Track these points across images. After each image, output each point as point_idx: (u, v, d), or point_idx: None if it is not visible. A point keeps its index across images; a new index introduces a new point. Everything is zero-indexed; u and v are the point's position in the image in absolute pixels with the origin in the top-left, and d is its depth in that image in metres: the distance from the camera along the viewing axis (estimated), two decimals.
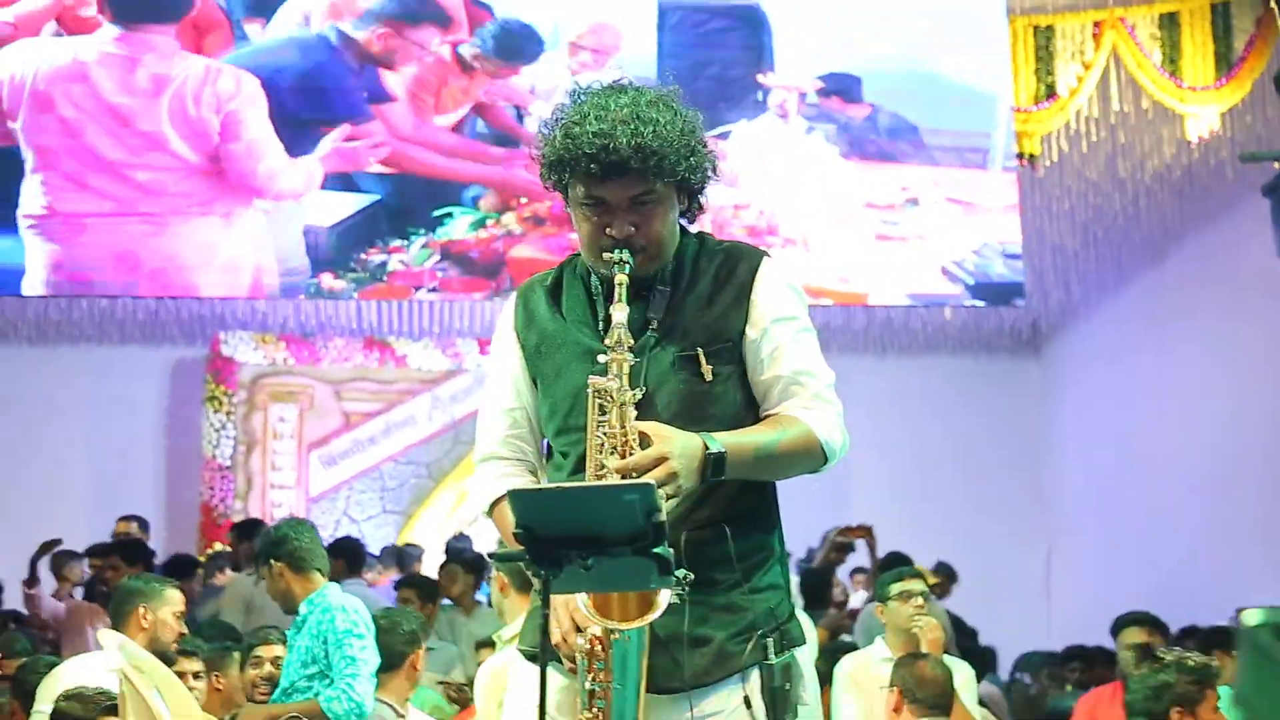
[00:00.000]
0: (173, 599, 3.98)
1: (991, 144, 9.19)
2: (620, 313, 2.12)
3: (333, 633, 4.07)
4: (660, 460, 2.02)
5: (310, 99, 8.98)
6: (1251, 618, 0.77)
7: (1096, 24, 9.17)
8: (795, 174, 9.20)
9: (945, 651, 4.53)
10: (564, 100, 2.24)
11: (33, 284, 8.76)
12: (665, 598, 2.02)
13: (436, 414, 9.83)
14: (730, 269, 2.28)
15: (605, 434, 2.10)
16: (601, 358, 2.12)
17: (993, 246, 9.13)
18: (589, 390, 2.11)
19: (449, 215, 9.04)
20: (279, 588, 4.23)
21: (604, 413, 2.11)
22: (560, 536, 1.86)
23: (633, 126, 2.13)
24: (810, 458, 2.23)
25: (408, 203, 9.02)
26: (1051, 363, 11.08)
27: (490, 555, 2.10)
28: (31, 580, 5.34)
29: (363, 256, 8.96)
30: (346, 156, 8.90)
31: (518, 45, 9.09)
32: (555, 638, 2.10)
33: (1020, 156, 9.25)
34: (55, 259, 8.68)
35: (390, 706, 4.28)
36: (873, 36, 9.18)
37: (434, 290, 9.00)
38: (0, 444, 9.86)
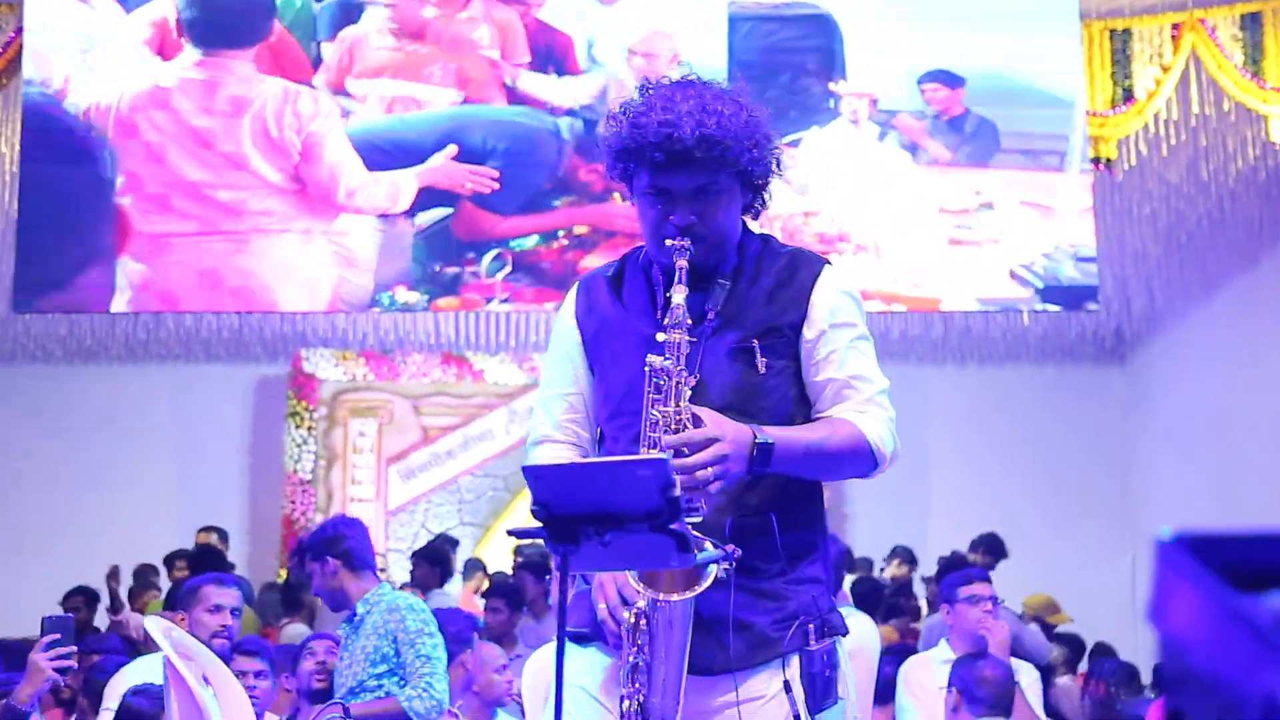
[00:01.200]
0: (207, 595, 4.00)
1: (1069, 147, 9.06)
2: (680, 295, 2.16)
3: (403, 631, 4.09)
4: (711, 440, 2.04)
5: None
6: (1164, 533, 0.77)
7: (1175, 26, 9.02)
8: (867, 181, 9.14)
9: (1012, 653, 4.47)
10: (633, 96, 2.29)
11: (120, 303, 8.99)
12: (712, 572, 2.04)
13: (513, 428, 9.92)
14: (793, 271, 2.30)
15: (660, 412, 2.12)
16: (660, 336, 2.15)
17: (1063, 249, 8.98)
18: (645, 369, 2.14)
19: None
20: (332, 585, 4.21)
21: (660, 391, 2.14)
22: (577, 513, 1.87)
23: (698, 117, 2.16)
24: (859, 461, 2.23)
25: (480, 217, 9.11)
26: (1136, 371, 10.87)
27: (509, 532, 2.11)
28: (115, 607, 5.46)
29: (437, 269, 9.06)
30: (451, 175, 9.01)
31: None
32: (601, 613, 2.13)
33: (1096, 161, 9.11)
34: (142, 279, 8.90)
35: None
36: (946, 41, 9.11)
37: (506, 301, 9.07)
38: (90, 460, 10.12)
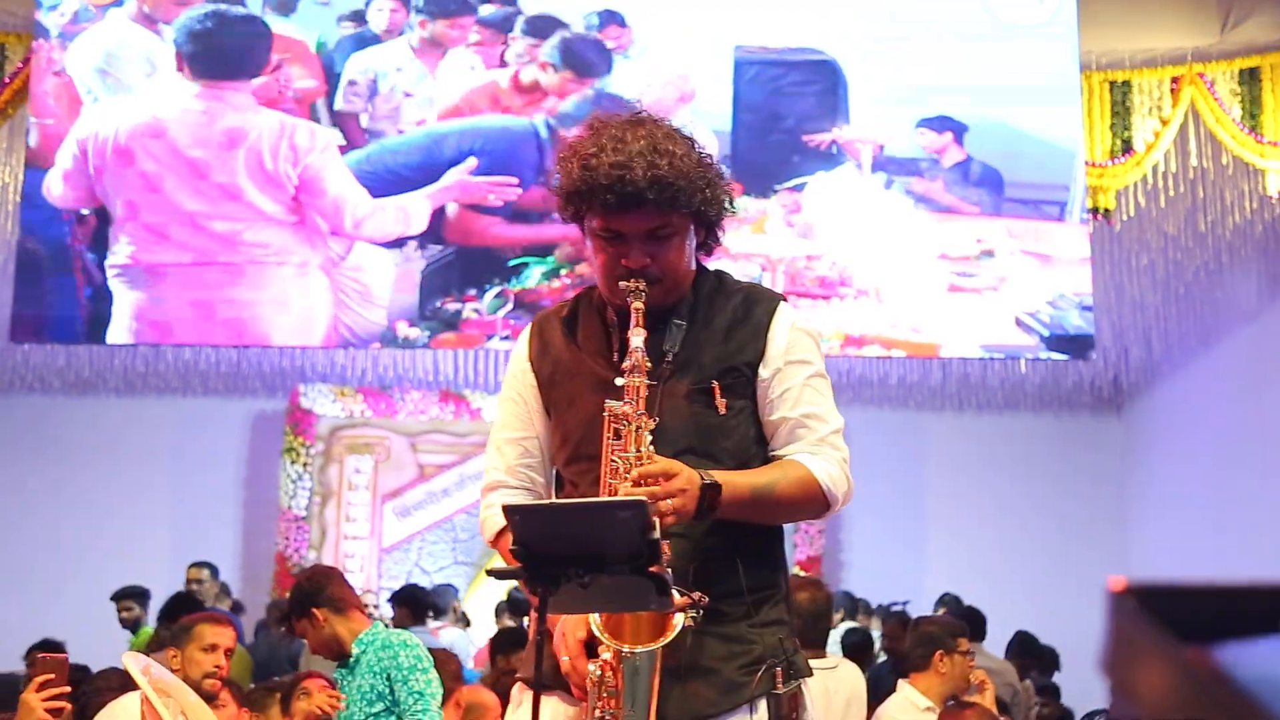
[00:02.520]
0: (202, 633, 3.99)
1: (1070, 197, 9.10)
2: (638, 337, 2.14)
3: (397, 669, 4.06)
4: (671, 474, 2.03)
5: None
6: (1116, 584, 0.77)
7: (1174, 79, 9.09)
8: (869, 226, 9.18)
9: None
10: (580, 132, 2.26)
11: (118, 332, 9.00)
12: (679, 620, 2.02)
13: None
14: (748, 308, 2.29)
15: (619, 458, 2.10)
16: (619, 381, 2.13)
17: (1068, 298, 9.01)
18: (605, 414, 2.12)
19: (525, 265, 9.13)
20: (324, 635, 4.15)
21: (619, 437, 2.12)
22: (557, 554, 1.87)
23: (649, 158, 2.14)
24: (811, 503, 2.22)
25: (483, 253, 9.14)
26: (1133, 421, 10.87)
27: (489, 572, 2.08)
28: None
29: (438, 305, 9.07)
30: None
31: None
32: (565, 666, 2.08)
33: (1094, 211, 9.15)
34: (138, 308, 8.92)
35: None
36: (950, 90, 9.18)
37: (506, 339, 9.09)
38: (86, 492, 10.11)
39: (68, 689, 3.14)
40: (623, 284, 2.18)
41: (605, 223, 2.19)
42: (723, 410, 2.21)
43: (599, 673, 2.04)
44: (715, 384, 2.21)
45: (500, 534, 2.27)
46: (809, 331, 2.32)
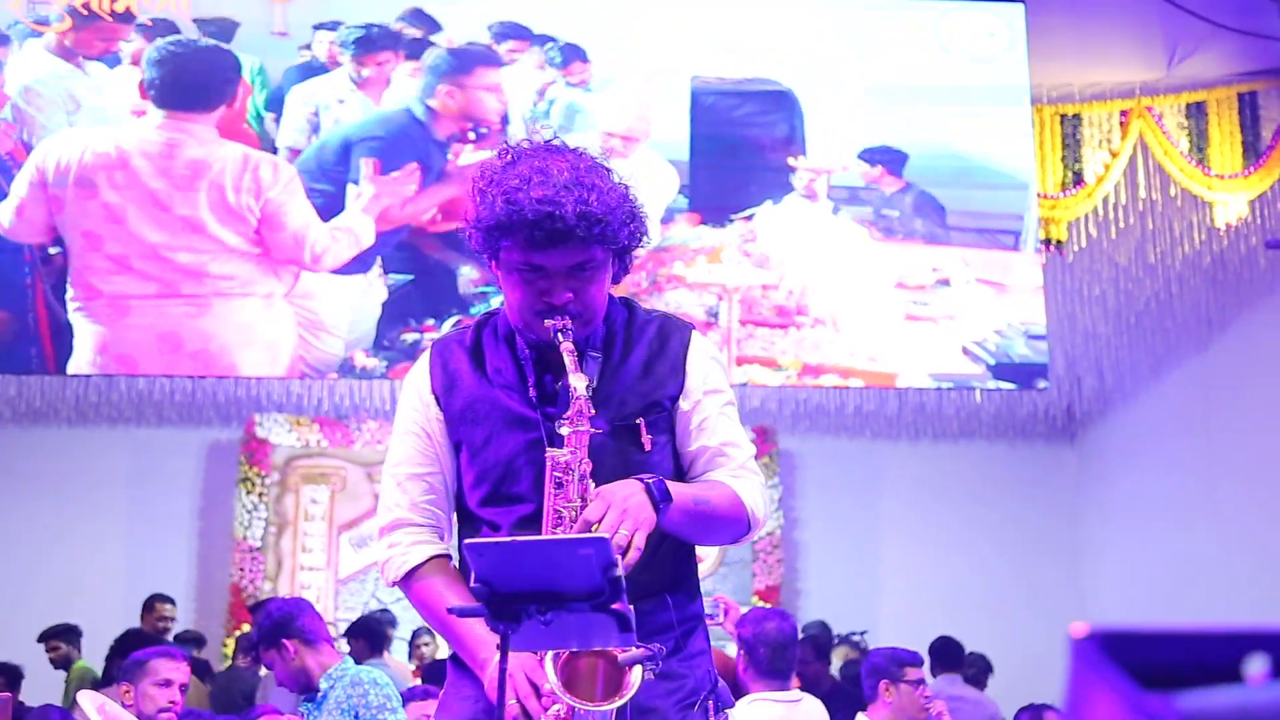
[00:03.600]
0: (156, 669, 3.95)
1: (1024, 226, 9.21)
2: (580, 381, 2.09)
3: (365, 707, 4.03)
4: (607, 506, 1.99)
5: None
6: (1078, 630, 0.79)
7: (1123, 113, 9.24)
8: (825, 255, 9.24)
9: None
10: (493, 160, 2.18)
11: (79, 365, 8.90)
12: (637, 676, 1.99)
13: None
14: (663, 340, 2.26)
15: (563, 508, 2.08)
16: (563, 430, 2.08)
17: (1015, 327, 9.10)
18: (547, 463, 2.08)
19: (484, 294, 9.12)
20: (294, 667, 4.11)
21: (560, 486, 2.09)
22: (519, 591, 1.86)
23: (576, 193, 2.07)
24: (736, 523, 2.22)
25: (442, 282, 9.12)
26: (1087, 450, 10.98)
27: (449, 610, 2.07)
28: None
29: (396, 335, 9.04)
30: (388, 187, 8.98)
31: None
32: (513, 709, 2.00)
33: (1046, 242, 9.26)
34: (100, 341, 8.82)
35: None
36: (904, 121, 9.28)
37: None
38: (36, 521, 9.97)
39: None
40: (548, 322, 2.12)
41: (526, 257, 2.12)
42: (648, 447, 2.20)
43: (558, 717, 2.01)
44: (640, 420, 2.19)
45: (409, 576, 2.24)
46: (720, 360, 2.34)
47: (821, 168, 9.29)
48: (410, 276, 9.08)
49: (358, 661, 6.73)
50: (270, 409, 10.11)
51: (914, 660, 4.58)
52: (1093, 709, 0.80)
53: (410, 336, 9.03)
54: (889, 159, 9.25)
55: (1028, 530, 10.58)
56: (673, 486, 2.11)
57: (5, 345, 8.93)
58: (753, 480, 2.25)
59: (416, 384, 2.32)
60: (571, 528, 2.04)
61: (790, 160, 9.27)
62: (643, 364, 2.24)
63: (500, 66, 9.27)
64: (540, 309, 2.14)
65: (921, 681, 4.46)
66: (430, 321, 9.04)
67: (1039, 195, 9.16)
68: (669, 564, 2.21)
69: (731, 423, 2.29)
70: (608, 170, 2.18)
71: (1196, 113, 9.05)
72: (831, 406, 10.16)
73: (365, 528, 9.96)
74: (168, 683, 3.92)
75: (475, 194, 2.16)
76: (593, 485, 2.08)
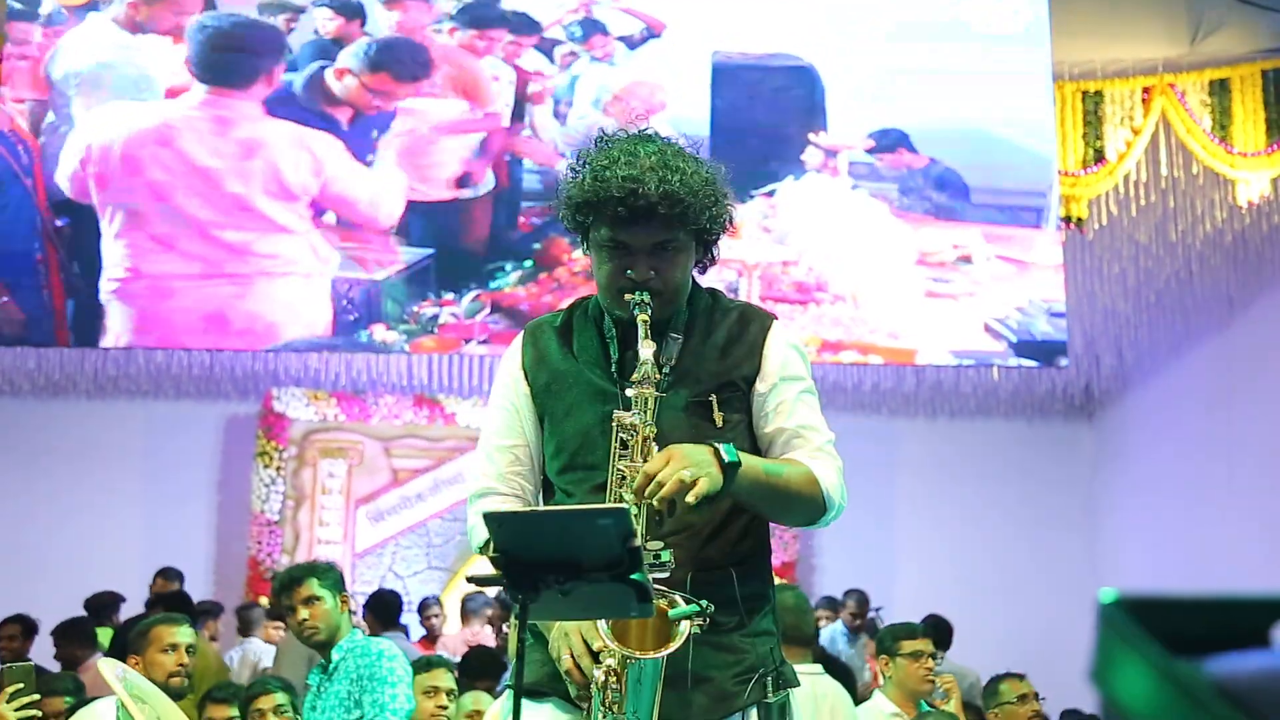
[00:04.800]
0: (159, 636, 3.97)
1: (1047, 204, 9.16)
2: (647, 350, 2.16)
3: (369, 678, 4.05)
4: (669, 459, 2.03)
5: None
6: (1106, 595, 0.78)
7: (1145, 90, 9.17)
8: (846, 231, 9.21)
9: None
10: (588, 146, 2.30)
11: (112, 340, 8.97)
12: (686, 628, 2.03)
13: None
14: (743, 326, 2.33)
15: (626, 467, 2.14)
16: (629, 391, 2.16)
17: (1037, 304, 9.06)
18: (613, 424, 2.16)
19: (502, 269, 9.12)
20: (325, 610, 4.15)
21: (625, 447, 2.15)
22: (538, 560, 1.86)
23: (660, 174, 2.19)
24: (812, 502, 2.24)
25: (461, 257, 9.13)
26: (1105, 428, 10.94)
27: (469, 578, 2.09)
28: None
29: (415, 309, 9.05)
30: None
31: None
32: (566, 663, 2.10)
33: (1067, 220, 9.21)
34: (138, 320, 8.88)
35: None
36: (926, 98, 9.22)
37: (484, 343, 9.06)
38: (56, 496, 10.03)
39: (37, 697, 3.12)
40: (627, 296, 2.21)
41: (612, 234, 2.23)
42: (720, 424, 2.24)
43: (603, 678, 2.06)
44: (713, 397, 2.25)
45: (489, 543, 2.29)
46: (800, 349, 2.38)
47: (842, 144, 9.25)
48: (430, 250, 9.08)
49: (372, 635, 6.79)
50: (288, 383, 10.13)
51: (909, 634, 4.56)
52: (1120, 674, 0.79)
53: (429, 310, 9.03)
54: (899, 141, 9.21)
55: (1045, 508, 10.56)
56: (744, 455, 2.13)
57: (14, 318, 8.97)
58: (830, 463, 2.27)
59: (509, 361, 2.42)
60: (624, 487, 2.09)
61: (811, 136, 9.23)
62: (721, 346, 2.31)
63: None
64: (623, 285, 2.23)
65: (921, 654, 4.43)
66: (449, 295, 9.03)
67: (1060, 173, 9.10)
68: (738, 539, 2.24)
69: (810, 409, 2.32)
70: (697, 158, 2.28)
71: (1220, 90, 8.97)
72: (849, 384, 10.14)
73: (382, 502, 10.00)
74: (172, 647, 3.94)
75: (567, 173, 2.29)
76: (654, 449, 2.12)
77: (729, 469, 2.07)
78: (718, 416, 2.24)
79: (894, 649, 4.43)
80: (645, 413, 2.14)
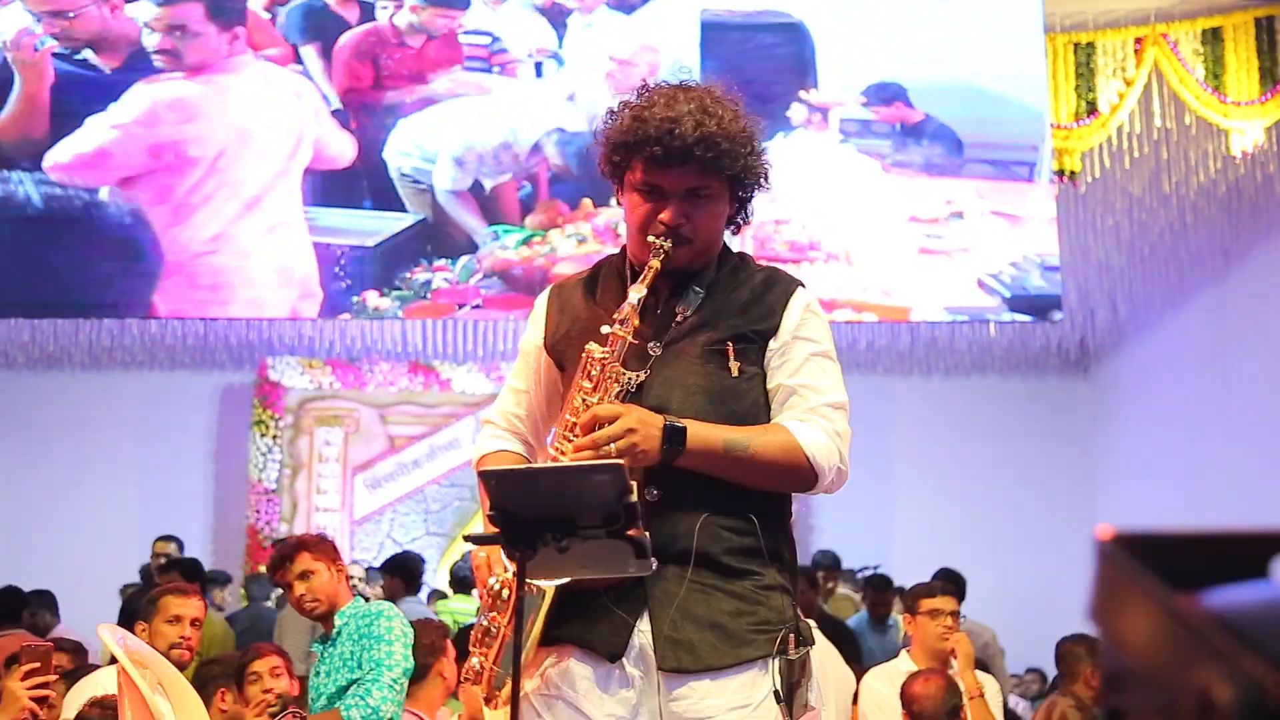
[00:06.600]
0: (166, 606, 3.97)
1: (1039, 157, 9.12)
2: (636, 293, 2.16)
3: (368, 638, 4.06)
4: (616, 415, 2.06)
5: None
6: (1104, 532, 0.77)
7: (1138, 40, 9.11)
8: (838, 189, 9.17)
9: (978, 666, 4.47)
10: (631, 94, 2.30)
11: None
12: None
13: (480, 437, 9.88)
14: (768, 287, 2.31)
15: (583, 399, 2.15)
16: (604, 328, 2.16)
17: (1030, 259, 9.04)
18: (583, 355, 2.16)
19: (494, 235, 9.09)
20: (325, 579, 4.17)
21: (589, 379, 2.15)
22: (535, 518, 1.86)
23: (698, 118, 2.18)
24: (793, 469, 2.18)
25: (453, 222, 9.09)
26: (1100, 382, 10.95)
27: (466, 537, 2.09)
28: None
29: (408, 275, 9.01)
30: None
31: None
32: (476, 565, 2.23)
33: (1060, 173, 9.17)
34: (134, 290, 8.88)
35: (419, 717, 4.26)
36: (917, 52, 9.16)
37: (477, 307, 9.03)
38: (53, 466, 10.03)
39: (53, 677, 3.12)
40: (650, 239, 2.20)
41: (647, 176, 2.22)
42: (735, 373, 2.22)
43: (498, 586, 2.14)
44: (729, 345, 2.22)
45: (480, 463, 2.38)
46: (821, 316, 2.35)
47: (833, 101, 9.20)
48: (422, 216, 9.04)
49: (391, 599, 6.81)
50: (282, 351, 10.11)
51: (928, 592, 4.56)
52: (1121, 611, 0.79)
53: (422, 276, 9.00)
54: (894, 95, 9.16)
55: (1041, 462, 10.59)
56: (705, 428, 2.12)
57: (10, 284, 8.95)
58: (823, 425, 2.22)
59: (535, 309, 2.45)
60: (579, 418, 2.11)
61: (801, 93, 9.18)
62: (743, 302, 2.29)
63: None
64: (654, 227, 2.22)
65: (939, 612, 4.43)
66: (443, 262, 9.00)
67: (1052, 126, 9.06)
68: (752, 493, 2.20)
69: (820, 370, 2.27)
70: (736, 108, 2.26)
71: (1212, 39, 8.92)
72: (844, 343, 10.13)
73: (379, 469, 10.01)
74: (178, 619, 3.94)
75: (607, 115, 2.29)
76: (616, 389, 2.15)
77: (668, 443, 2.07)
78: (734, 365, 2.22)
79: (915, 607, 4.44)
80: (616, 351, 2.15)
